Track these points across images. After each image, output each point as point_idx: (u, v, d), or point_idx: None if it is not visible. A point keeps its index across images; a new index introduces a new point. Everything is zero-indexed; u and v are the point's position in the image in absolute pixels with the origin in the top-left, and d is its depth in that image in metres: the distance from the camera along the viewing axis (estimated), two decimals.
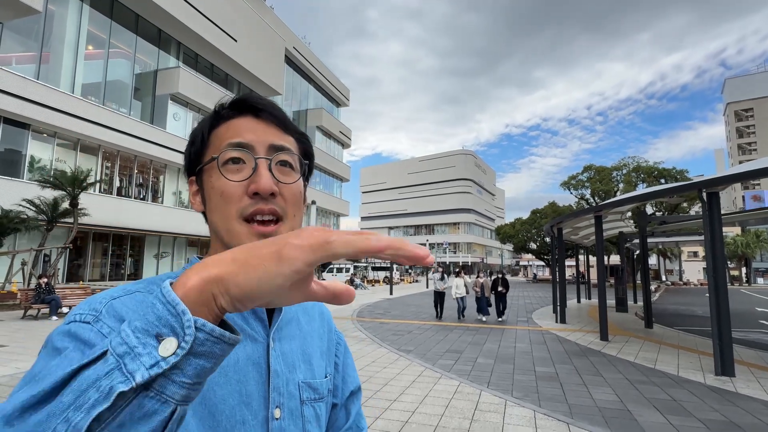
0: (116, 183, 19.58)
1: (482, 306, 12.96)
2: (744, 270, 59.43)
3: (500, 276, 13.41)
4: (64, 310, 11.18)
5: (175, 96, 21.84)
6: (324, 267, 36.19)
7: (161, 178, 21.97)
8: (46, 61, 16.76)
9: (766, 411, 4.89)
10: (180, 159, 21.53)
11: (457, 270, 14.33)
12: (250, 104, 0.61)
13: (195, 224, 22.47)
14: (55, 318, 10.88)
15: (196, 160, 0.62)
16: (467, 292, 13.33)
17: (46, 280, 11.33)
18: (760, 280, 61.30)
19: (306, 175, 0.66)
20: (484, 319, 12.74)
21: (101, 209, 17.20)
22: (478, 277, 13.30)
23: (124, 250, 20.74)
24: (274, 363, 0.58)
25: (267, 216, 0.56)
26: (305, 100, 37.69)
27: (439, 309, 13.44)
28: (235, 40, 24.59)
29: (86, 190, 14.82)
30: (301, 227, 0.60)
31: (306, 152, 0.65)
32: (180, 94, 21.59)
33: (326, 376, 0.68)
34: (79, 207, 14.42)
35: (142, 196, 20.82)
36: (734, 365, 6.50)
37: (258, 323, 0.60)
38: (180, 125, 22.43)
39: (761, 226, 56.20)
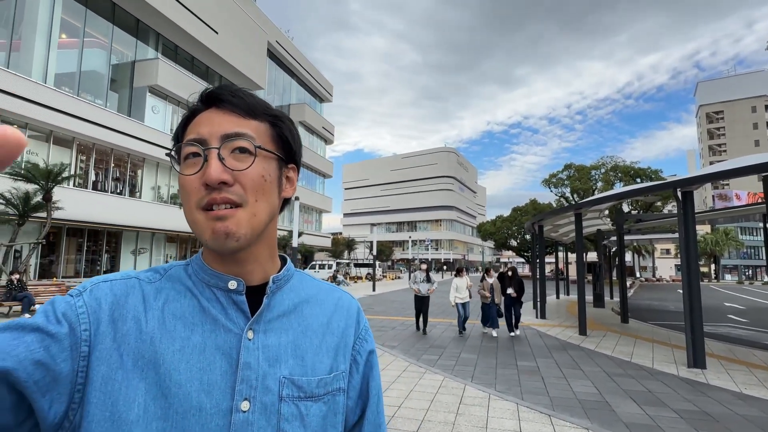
0: (92, 177, 18.95)
1: (492, 315, 9.67)
2: (713, 267, 61.82)
3: (509, 273, 10.31)
4: (37, 307, 10.82)
5: (153, 88, 21.27)
6: (306, 265, 35.93)
7: (139, 172, 21.39)
8: (16, 49, 16.08)
9: (734, 401, 5.11)
10: (158, 153, 21.07)
11: (458, 268, 10.75)
12: (213, 96, 0.61)
13: (174, 220, 21.98)
14: (27, 316, 10.51)
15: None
16: (470, 297, 10.15)
17: (17, 276, 10.94)
18: (728, 277, 63.94)
19: (287, 157, 0.65)
20: (494, 333, 9.59)
21: (76, 203, 16.64)
22: (487, 275, 10.08)
23: (99, 246, 20.12)
24: (245, 355, 0.57)
25: (222, 206, 0.56)
26: (288, 95, 37.29)
27: (421, 321, 10.04)
28: (216, 32, 24.08)
29: (60, 184, 14.32)
30: (267, 212, 0.60)
31: (280, 135, 0.64)
32: (159, 86, 21.03)
33: (331, 373, 0.63)
34: (52, 201, 13.93)
35: (119, 191, 20.22)
36: (705, 358, 6.78)
37: (239, 314, 0.59)
38: (159, 118, 21.86)
39: (730, 225, 58.60)
